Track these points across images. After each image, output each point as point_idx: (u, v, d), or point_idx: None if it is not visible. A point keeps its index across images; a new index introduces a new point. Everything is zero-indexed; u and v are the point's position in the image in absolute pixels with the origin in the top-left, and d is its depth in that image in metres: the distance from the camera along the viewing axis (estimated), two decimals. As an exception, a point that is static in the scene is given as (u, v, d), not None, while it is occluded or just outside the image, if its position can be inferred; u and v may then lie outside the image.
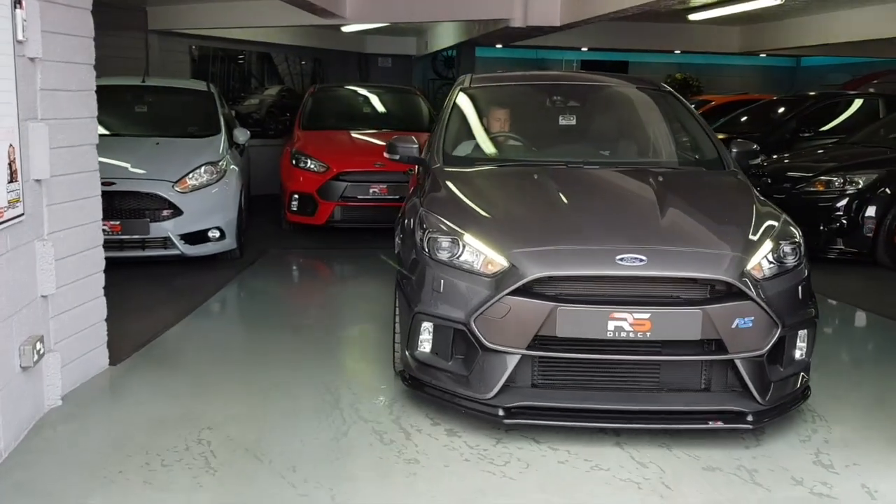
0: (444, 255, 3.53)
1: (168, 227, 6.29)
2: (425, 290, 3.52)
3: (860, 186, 7.04)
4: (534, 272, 3.27)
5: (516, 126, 4.94)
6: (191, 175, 6.49)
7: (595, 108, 5.12)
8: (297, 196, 8.21)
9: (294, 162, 8.27)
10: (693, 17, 9.46)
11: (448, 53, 13.50)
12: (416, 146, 4.70)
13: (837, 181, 7.14)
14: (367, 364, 4.51)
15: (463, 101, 4.95)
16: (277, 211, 9.29)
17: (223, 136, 7.29)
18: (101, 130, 7.44)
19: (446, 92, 14.57)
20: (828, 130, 9.30)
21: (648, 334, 3.21)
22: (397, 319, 3.91)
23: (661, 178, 4.02)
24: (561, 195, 3.82)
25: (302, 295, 6.58)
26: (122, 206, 6.16)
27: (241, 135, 7.57)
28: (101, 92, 7.51)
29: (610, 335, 3.21)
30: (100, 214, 4.11)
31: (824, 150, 8.42)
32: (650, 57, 14.82)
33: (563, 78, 5.43)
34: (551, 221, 3.61)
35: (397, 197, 8.05)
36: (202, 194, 6.49)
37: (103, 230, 6.11)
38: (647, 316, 3.20)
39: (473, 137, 4.78)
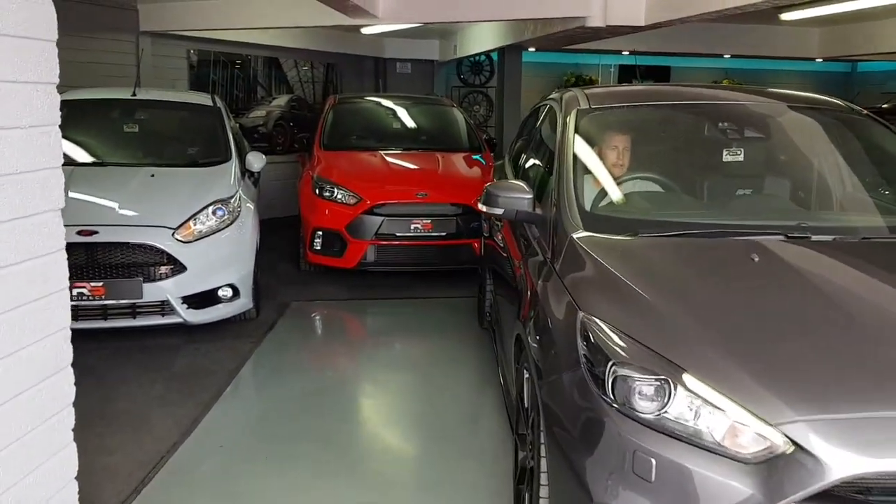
0: (646, 410, 2.09)
1: (167, 288, 4.82)
2: (610, 468, 2.08)
3: None
4: (850, 467, 1.84)
5: (669, 167, 3.50)
6: (196, 218, 5.02)
7: (776, 138, 3.69)
8: (321, 233, 6.75)
9: (317, 191, 6.81)
10: (786, 16, 8.11)
11: (476, 58, 12.06)
12: (529, 197, 3.26)
13: None
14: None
15: (586, 131, 3.50)
16: (290, 242, 7.86)
17: (234, 164, 5.82)
18: (82, 157, 6.02)
19: (473, 101, 13.32)
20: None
21: None
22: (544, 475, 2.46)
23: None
24: (826, 297, 2.39)
25: (349, 378, 5.01)
26: (106, 261, 4.70)
27: (256, 161, 6.10)
28: (81, 108, 5.93)
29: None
30: (68, 321, 2.65)
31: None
32: (693, 61, 13.45)
33: (716, 96, 3.99)
34: (838, 353, 2.15)
35: (443, 234, 6.64)
36: (211, 243, 5.02)
37: (82, 293, 4.68)
38: None
39: (615, 185, 3.34)
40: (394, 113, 8.47)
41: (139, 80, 8.82)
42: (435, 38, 11.80)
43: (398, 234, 6.59)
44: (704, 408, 2.05)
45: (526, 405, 2.83)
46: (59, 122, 2.53)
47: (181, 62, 9.39)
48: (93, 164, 5.56)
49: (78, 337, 4.66)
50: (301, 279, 6.99)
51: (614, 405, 2.14)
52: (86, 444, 3.27)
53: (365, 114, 8.57)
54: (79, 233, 4.65)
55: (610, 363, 2.18)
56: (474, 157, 7.69)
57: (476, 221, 6.64)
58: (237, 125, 7.40)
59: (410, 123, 8.41)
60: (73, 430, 2.64)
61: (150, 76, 8.92)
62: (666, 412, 2.08)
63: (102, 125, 6.15)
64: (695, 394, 2.06)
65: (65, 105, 5.68)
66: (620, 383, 2.14)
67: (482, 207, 3.38)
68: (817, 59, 12.59)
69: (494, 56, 11.99)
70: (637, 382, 2.11)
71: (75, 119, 6.00)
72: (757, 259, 2.56)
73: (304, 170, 7.84)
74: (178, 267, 4.83)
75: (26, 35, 2.34)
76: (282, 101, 10.75)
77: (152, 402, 4.09)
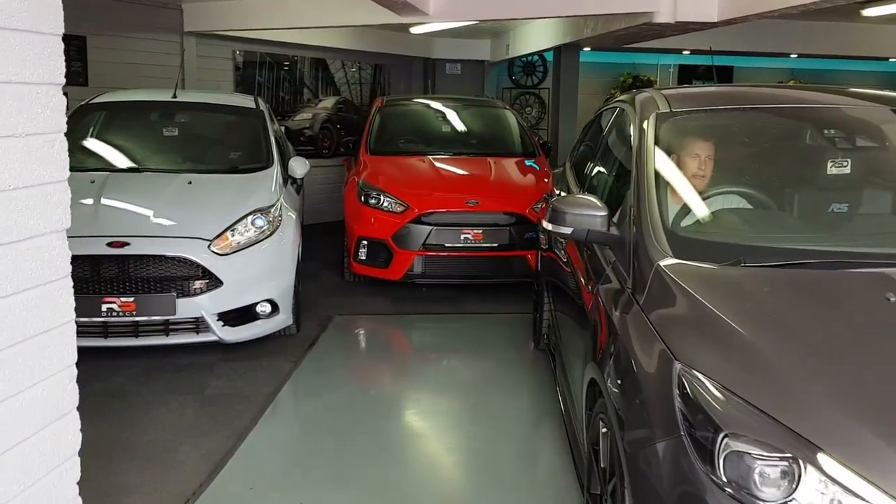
0: (767, 497, 1.65)
1: (202, 304, 4.50)
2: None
3: None
4: None
5: (765, 180, 3.03)
6: (234, 229, 4.70)
7: (892, 147, 3.19)
8: (366, 242, 6.40)
9: (363, 198, 6.45)
10: (868, 12, 7.49)
11: (529, 58, 11.61)
12: (602, 215, 2.82)
13: None
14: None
15: (667, 138, 3.05)
16: (334, 249, 7.53)
17: (276, 170, 5.49)
18: (117, 162, 5.39)
19: (525, 103, 12.84)
20: None
21: None
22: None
23: None
24: None
25: (394, 406, 4.54)
26: (138, 275, 4.40)
27: (299, 166, 5.77)
28: (119, 110, 5.68)
29: None
30: (73, 357, 2.32)
31: None
32: (757, 61, 12.77)
33: (815, 98, 3.49)
34: None
35: (495, 245, 6.23)
36: (249, 256, 4.69)
37: (111, 309, 4.40)
38: None
39: (704, 202, 2.88)
40: (443, 115, 8.08)
41: (183, 81, 8.64)
42: (486, 38, 11.39)
43: (447, 245, 6.20)
44: (845, 497, 1.60)
45: (602, 464, 2.40)
46: (65, 129, 2.18)
47: (226, 63, 9.17)
48: (128, 169, 5.29)
49: (107, 354, 4.36)
50: (345, 290, 6.65)
51: (726, 488, 1.70)
52: (103, 484, 2.96)
53: (413, 116, 8.20)
54: (109, 244, 4.36)
55: (721, 434, 1.74)
56: (528, 162, 7.26)
57: (531, 232, 6.22)
58: (281, 128, 7.11)
59: (461, 127, 8.02)
60: (78, 483, 2.30)
61: (195, 78, 8.71)
62: (792, 500, 1.64)
63: (140, 128, 5.89)
64: (832, 479, 1.62)
65: (102, 107, 5.41)
66: (734, 460, 1.71)
67: (547, 225, 2.95)
68: (890, 59, 11.85)
69: (548, 56, 11.54)
70: (758, 462, 1.67)
71: (112, 122, 5.78)
72: (894, 299, 2.08)
73: (349, 175, 7.51)
74: (213, 281, 4.51)
75: (25, 28, 1.99)
76: (328, 103, 10.47)
77: (181, 432, 3.76)
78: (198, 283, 4.48)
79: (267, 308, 4.77)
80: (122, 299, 4.35)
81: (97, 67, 7.76)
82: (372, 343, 5.59)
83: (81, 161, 5.43)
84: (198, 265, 4.47)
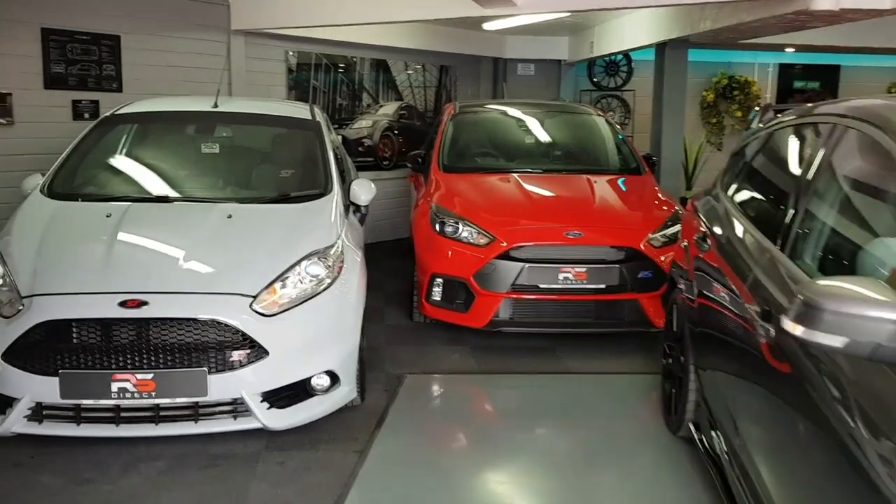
0: None
1: (242, 381, 3.43)
2: None
3: None
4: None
5: None
6: (284, 280, 3.63)
7: None
8: (440, 281, 5.29)
9: (437, 227, 5.35)
10: None
11: (611, 57, 10.36)
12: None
13: None
14: None
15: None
16: (399, 276, 6.49)
17: (336, 198, 4.41)
18: (141, 189, 4.14)
19: (607, 107, 11.13)
20: None
21: None
22: None
23: None
24: None
25: None
26: (159, 343, 3.35)
27: (364, 191, 4.68)
28: (149, 122, 4.66)
29: None
30: None
31: None
32: (866, 59, 11.29)
33: None
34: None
35: (601, 286, 5.04)
36: (303, 315, 3.61)
37: (124, 390, 3.35)
38: None
39: None
40: (527, 125, 6.92)
41: (230, 87, 7.66)
42: (564, 35, 10.19)
43: (542, 286, 5.05)
44: None
45: None
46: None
47: (278, 65, 8.16)
48: (155, 198, 4.26)
49: (125, 442, 3.24)
50: (415, 336, 5.55)
51: None
52: None
53: (492, 126, 7.06)
54: (122, 304, 3.33)
55: None
56: (624, 181, 6.07)
57: (647, 271, 5.05)
58: (339, 138, 6.04)
59: (548, 138, 6.85)
60: None
61: (243, 83, 7.72)
62: None
63: (172, 146, 4.90)
64: None
65: (128, 119, 4.28)
66: None
67: (794, 329, 1.77)
68: None
69: (636, 55, 10.28)
70: None
71: (139, 138, 4.79)
72: None
73: (418, 195, 6.41)
74: (257, 351, 3.44)
75: None
76: (390, 108, 9.39)
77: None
78: (237, 354, 3.42)
79: (325, 381, 3.68)
80: (139, 376, 3.31)
81: (132, 71, 6.81)
82: (454, 417, 4.42)
83: (99, 187, 4.44)
84: (237, 330, 3.41)
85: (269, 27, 7.45)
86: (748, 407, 2.70)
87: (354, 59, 8.86)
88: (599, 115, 7.11)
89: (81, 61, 6.49)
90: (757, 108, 4.32)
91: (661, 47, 7.70)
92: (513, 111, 7.13)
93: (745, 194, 3.45)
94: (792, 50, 10.39)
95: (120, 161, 4.67)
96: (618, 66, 10.73)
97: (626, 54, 10.44)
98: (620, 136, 6.76)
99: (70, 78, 6.43)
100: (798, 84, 11.63)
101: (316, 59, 8.45)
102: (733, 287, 2.93)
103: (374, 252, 6.70)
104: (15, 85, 6.11)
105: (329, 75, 8.62)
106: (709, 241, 3.51)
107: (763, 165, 3.37)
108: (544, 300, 5.08)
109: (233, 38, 7.56)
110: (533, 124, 6.89)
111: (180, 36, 7.19)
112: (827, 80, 11.49)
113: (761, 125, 3.67)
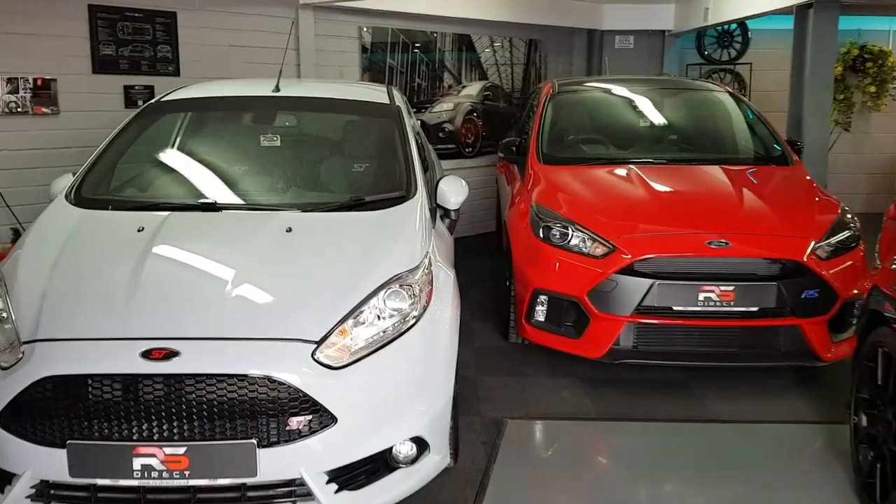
0: None
1: (302, 456, 2.56)
2: None
3: None
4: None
5: None
6: (357, 318, 2.75)
7: None
8: (545, 298, 4.33)
9: (540, 232, 4.39)
10: None
11: (724, 27, 9.11)
12: None
13: None
14: None
15: None
16: (486, 280, 5.61)
17: (422, 201, 3.50)
18: (185, 193, 3.09)
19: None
20: None
21: None
22: None
23: None
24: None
25: None
26: (194, 405, 2.51)
27: (454, 191, 3.74)
28: (200, 110, 3.72)
29: None
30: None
31: None
32: None
33: None
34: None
35: (753, 309, 3.98)
36: (382, 364, 2.72)
37: (149, 467, 2.49)
38: None
39: None
40: (641, 105, 5.84)
41: (298, 68, 6.86)
42: (670, 2, 9.00)
43: (676, 309, 4.03)
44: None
45: None
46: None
47: (351, 43, 7.30)
48: (199, 206, 3.43)
49: None
50: (511, 362, 4.63)
51: None
52: None
53: (599, 107, 6.02)
54: (145, 354, 2.51)
55: None
56: (770, 173, 4.97)
57: (811, 289, 3.97)
58: (418, 122, 5.13)
59: (669, 121, 5.76)
60: None
61: (312, 63, 6.91)
62: None
63: (224, 139, 4.08)
64: None
65: (175, 107, 3.29)
66: None
67: None
68: None
69: (752, 24, 9.02)
70: None
71: (188, 129, 3.97)
72: None
73: (512, 190, 5.46)
74: (321, 416, 2.57)
75: None
76: (473, 89, 8.44)
77: None
78: (295, 422, 2.55)
79: (411, 451, 2.79)
80: (168, 450, 2.48)
81: (190, 52, 6.08)
82: (574, 482, 3.43)
83: (135, 191, 3.66)
84: (295, 390, 2.54)
85: (340, 0, 6.59)
86: None
87: (434, 35, 7.92)
88: (725, 91, 5.97)
89: (133, 42, 5.78)
90: None
91: (802, 11, 6.46)
92: (622, 89, 6.06)
93: None
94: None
95: (162, 158, 3.89)
96: (732, 36, 9.45)
97: (741, 23, 9.17)
98: (752, 115, 5.62)
99: (121, 61, 5.73)
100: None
101: (392, 36, 7.56)
102: None
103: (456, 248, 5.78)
104: (60, 70, 5.44)
105: (406, 54, 7.72)
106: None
107: None
108: (678, 325, 4.06)
109: (301, 13, 6.74)
110: (647, 104, 5.81)
111: (244, 12, 6.41)
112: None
113: None
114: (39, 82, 5.33)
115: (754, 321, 4.01)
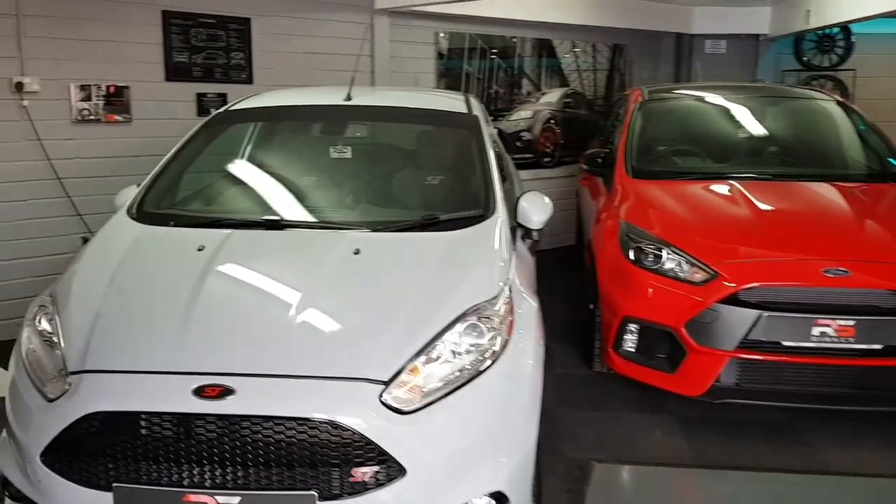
0: None
1: (366, 512, 2.28)
2: None
3: None
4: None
5: None
6: (430, 354, 2.44)
7: None
8: (636, 327, 3.94)
9: (630, 253, 4.00)
10: None
11: (825, 31, 8.48)
12: None
13: None
14: None
15: None
16: (566, 299, 5.24)
17: (501, 221, 3.18)
18: (249, 209, 2.53)
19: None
20: None
21: None
22: None
23: None
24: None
25: None
26: (250, 450, 2.25)
27: (537, 209, 3.41)
28: (268, 120, 3.44)
29: None
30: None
31: None
32: None
33: None
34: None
35: (877, 346, 3.50)
36: (458, 408, 2.41)
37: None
38: None
39: None
40: (741, 115, 5.38)
41: (372, 75, 6.64)
42: (766, 5, 8.43)
43: (786, 344, 3.58)
44: None
45: None
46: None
47: (427, 49, 7.05)
48: (263, 223, 3.19)
49: None
50: (596, 394, 4.26)
51: None
52: None
53: (693, 116, 5.57)
54: (197, 391, 2.26)
55: None
56: (882, 187, 4.46)
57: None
58: (496, 131, 4.81)
59: (772, 132, 5.27)
60: None
61: (387, 69, 6.68)
62: None
63: (292, 150, 3.86)
64: None
65: (243, 116, 3.15)
66: None
67: None
68: None
69: (856, 28, 8.36)
70: None
71: (257, 140, 3.77)
72: None
73: (597, 205, 5.09)
74: (389, 466, 2.27)
75: None
76: (553, 96, 8.07)
77: None
78: (360, 473, 2.26)
79: (488, 507, 2.47)
80: (221, 499, 2.23)
81: (263, 59, 5.92)
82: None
83: (199, 206, 3.47)
84: (360, 437, 2.25)
85: (418, 3, 6.35)
86: None
87: (514, 40, 7.60)
88: (832, 100, 5.45)
89: (207, 48, 5.66)
90: None
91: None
92: (717, 97, 5.61)
93: None
94: None
95: (228, 170, 3.69)
96: (833, 40, 8.79)
97: (844, 27, 8.52)
98: (864, 126, 5.09)
99: (194, 68, 5.61)
100: None
101: (470, 42, 7.27)
102: None
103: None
104: (133, 77, 5.35)
105: (484, 60, 7.42)
106: None
107: None
108: (791, 363, 3.61)
109: (376, 19, 6.52)
110: (746, 114, 5.34)
111: (319, 17, 6.23)
112: None
113: None
114: (112, 90, 5.24)
115: (878, 360, 3.53)
